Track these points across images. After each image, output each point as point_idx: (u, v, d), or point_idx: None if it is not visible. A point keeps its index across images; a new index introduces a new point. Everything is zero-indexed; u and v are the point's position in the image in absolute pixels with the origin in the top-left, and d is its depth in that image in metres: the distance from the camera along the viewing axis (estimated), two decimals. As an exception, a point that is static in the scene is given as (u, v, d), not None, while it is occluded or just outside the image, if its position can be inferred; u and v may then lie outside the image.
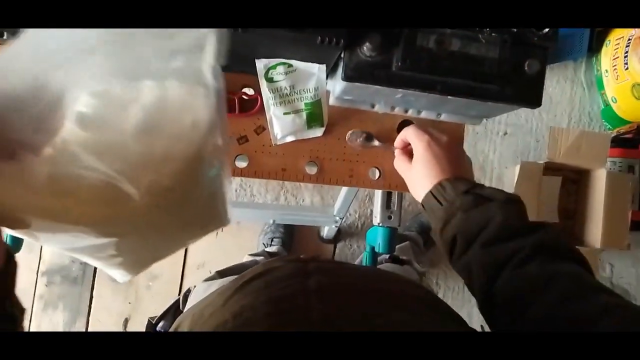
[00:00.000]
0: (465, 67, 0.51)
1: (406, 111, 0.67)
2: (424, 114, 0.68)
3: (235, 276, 0.58)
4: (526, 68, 0.52)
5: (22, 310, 0.34)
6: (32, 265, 1.53)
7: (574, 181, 1.69)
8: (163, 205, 0.33)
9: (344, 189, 1.27)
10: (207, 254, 1.55)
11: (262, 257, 1.21)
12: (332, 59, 0.55)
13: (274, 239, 1.52)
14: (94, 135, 0.28)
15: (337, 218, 1.35)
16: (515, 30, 0.51)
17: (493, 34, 0.51)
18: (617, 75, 1.58)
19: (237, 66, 0.62)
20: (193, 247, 1.56)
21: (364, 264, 0.80)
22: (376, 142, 0.67)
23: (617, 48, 1.58)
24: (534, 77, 0.53)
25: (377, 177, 0.69)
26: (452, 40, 0.50)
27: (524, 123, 1.74)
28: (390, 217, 0.75)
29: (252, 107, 0.65)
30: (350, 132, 0.67)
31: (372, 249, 0.78)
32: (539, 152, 1.72)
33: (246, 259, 1.22)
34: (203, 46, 0.30)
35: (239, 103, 0.65)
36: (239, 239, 1.56)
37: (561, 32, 1.59)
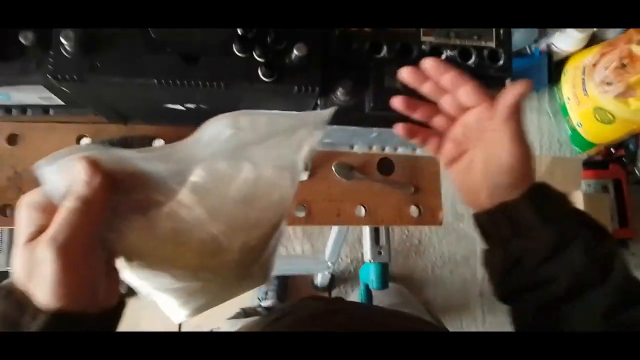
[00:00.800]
0: (432, 101, 0.55)
1: (383, 149, 0.72)
2: (400, 150, 0.72)
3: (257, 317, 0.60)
4: (487, 98, 0.57)
5: None
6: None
7: (553, 205, 1.74)
8: (245, 261, 0.40)
9: (333, 233, 1.29)
10: (203, 315, 1.53)
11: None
12: (309, 107, 0.59)
13: (268, 292, 1.52)
14: (201, 199, 0.36)
15: (329, 263, 1.37)
16: (472, 65, 0.56)
17: (453, 71, 0.56)
18: (579, 101, 1.67)
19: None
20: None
21: (359, 301, 0.81)
22: (359, 174, 0.70)
23: (575, 76, 1.68)
24: (495, 106, 0.57)
25: (363, 214, 0.72)
26: (416, 79, 0.55)
27: (498, 155, 1.81)
28: (380, 253, 0.78)
29: (238, 158, 0.68)
30: (334, 163, 0.71)
31: (366, 286, 0.80)
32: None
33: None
34: (302, 147, 0.39)
35: (225, 156, 0.68)
36: (232, 295, 1.55)
37: (520, 66, 1.69)
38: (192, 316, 0.42)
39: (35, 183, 0.64)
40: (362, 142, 0.69)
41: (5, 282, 0.34)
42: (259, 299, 1.51)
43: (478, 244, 1.70)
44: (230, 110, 0.60)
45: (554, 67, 1.82)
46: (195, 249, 0.37)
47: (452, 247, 1.69)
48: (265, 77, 0.51)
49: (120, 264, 0.36)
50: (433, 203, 0.73)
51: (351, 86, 0.54)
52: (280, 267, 1.42)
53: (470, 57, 0.56)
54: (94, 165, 0.33)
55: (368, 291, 0.79)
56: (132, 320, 1.49)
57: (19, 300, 0.32)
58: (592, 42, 1.72)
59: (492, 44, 0.57)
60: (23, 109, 0.66)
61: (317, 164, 0.71)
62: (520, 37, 1.68)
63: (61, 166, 0.33)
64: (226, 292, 0.43)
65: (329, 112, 0.40)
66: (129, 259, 0.36)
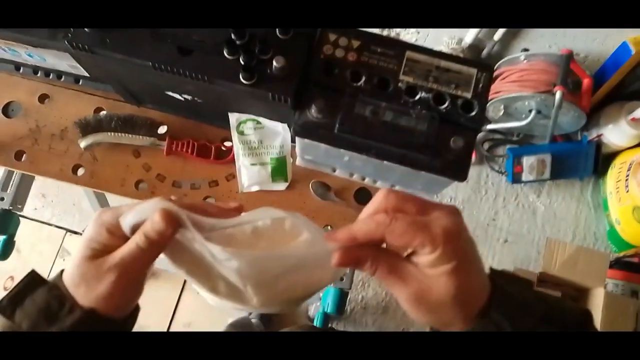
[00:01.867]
0: (396, 135, 0.59)
1: (363, 179, 0.75)
2: (379, 184, 0.75)
3: None
4: (452, 144, 0.59)
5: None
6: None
7: (573, 298, 1.65)
8: (263, 307, 0.42)
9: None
10: (195, 314, 1.58)
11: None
12: (287, 116, 0.64)
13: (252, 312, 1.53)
14: (254, 245, 0.40)
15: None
16: (444, 110, 0.59)
17: (423, 111, 0.59)
18: (620, 198, 1.61)
19: (217, 121, 0.73)
20: (183, 306, 1.59)
21: (315, 324, 0.82)
22: (334, 197, 0.74)
23: (621, 171, 1.63)
24: (460, 153, 0.59)
25: (329, 235, 0.75)
26: (385, 112, 0.59)
27: (525, 233, 1.76)
28: (342, 279, 0.79)
29: (226, 156, 0.74)
30: (312, 181, 0.75)
31: (323, 309, 0.81)
32: (540, 265, 1.71)
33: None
34: None
35: (215, 151, 0.74)
36: (227, 305, 1.59)
37: (566, 150, 1.66)
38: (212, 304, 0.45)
39: (49, 138, 0.73)
40: (342, 167, 0.72)
41: (52, 277, 0.39)
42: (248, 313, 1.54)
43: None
44: (221, 107, 0.66)
45: (603, 158, 1.77)
46: (222, 284, 0.40)
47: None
48: (244, 79, 0.57)
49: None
50: (400, 241, 0.74)
51: (324, 106, 0.59)
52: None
53: (443, 103, 0.59)
54: (170, 219, 0.37)
55: (324, 315, 0.80)
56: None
57: (62, 296, 0.37)
58: (646, 140, 1.67)
59: (469, 95, 0.60)
60: (59, 75, 0.76)
61: (299, 178, 0.75)
62: (568, 121, 1.65)
63: (142, 209, 0.38)
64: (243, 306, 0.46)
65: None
66: (169, 255, 0.40)
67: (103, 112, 0.76)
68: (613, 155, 1.75)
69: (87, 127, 0.72)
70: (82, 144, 0.73)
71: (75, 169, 0.74)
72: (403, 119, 0.59)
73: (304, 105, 0.60)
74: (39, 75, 0.76)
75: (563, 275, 1.51)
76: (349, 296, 1.65)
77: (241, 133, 0.69)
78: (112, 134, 0.72)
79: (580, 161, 1.74)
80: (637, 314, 1.54)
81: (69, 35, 0.57)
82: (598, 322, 1.46)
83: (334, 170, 0.74)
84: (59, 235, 1.64)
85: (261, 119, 0.67)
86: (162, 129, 0.76)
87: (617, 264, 1.66)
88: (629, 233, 1.63)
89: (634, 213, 1.54)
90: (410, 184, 0.70)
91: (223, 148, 0.75)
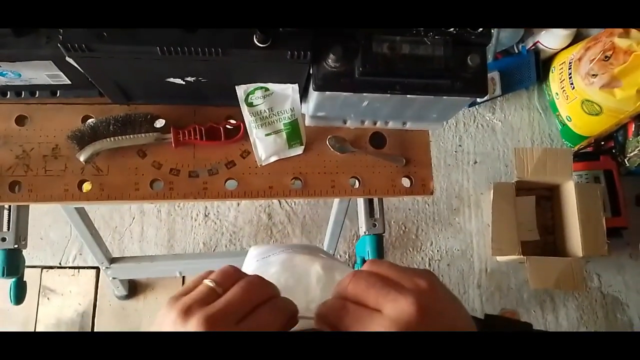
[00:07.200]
0: (417, 66, 0.59)
1: (375, 123, 0.75)
2: (391, 124, 0.76)
3: None
4: (469, 62, 0.60)
5: None
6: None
7: (547, 198, 1.77)
8: None
9: (330, 227, 1.32)
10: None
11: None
12: (302, 76, 0.62)
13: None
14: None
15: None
16: (454, 31, 0.60)
17: (436, 37, 0.59)
18: (567, 96, 1.72)
19: (219, 100, 0.70)
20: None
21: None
22: (352, 148, 0.74)
23: (562, 72, 1.73)
24: (477, 69, 0.61)
25: (356, 185, 0.75)
26: (402, 45, 0.59)
27: (491, 151, 1.85)
28: (374, 225, 0.80)
29: (236, 134, 0.72)
30: (329, 137, 0.74)
31: (363, 259, 0.82)
32: (510, 176, 1.81)
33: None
34: None
35: (224, 131, 0.71)
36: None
37: (509, 64, 1.73)
38: None
39: (42, 160, 0.67)
40: (355, 116, 0.72)
41: None
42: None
43: (474, 237, 1.73)
44: (227, 82, 0.64)
45: (542, 64, 1.87)
46: None
47: (449, 242, 1.72)
48: (259, 42, 0.54)
49: None
50: (423, 174, 0.76)
51: (341, 52, 0.58)
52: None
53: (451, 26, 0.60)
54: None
55: (364, 264, 0.82)
56: (134, 321, 1.51)
57: None
58: (577, 38, 1.78)
59: (472, 13, 0.61)
60: (32, 91, 0.69)
61: (312, 138, 0.74)
62: (507, 36, 1.73)
63: None
64: None
65: None
66: None
67: (92, 120, 0.70)
68: (550, 59, 1.86)
69: (82, 139, 0.67)
70: (82, 157, 0.67)
71: (80, 186, 0.69)
72: (420, 48, 0.59)
73: (319, 58, 0.59)
74: (8, 96, 0.69)
75: (536, 179, 1.62)
76: (347, 252, 1.68)
77: (250, 105, 0.67)
78: (112, 139, 0.68)
79: (524, 71, 1.84)
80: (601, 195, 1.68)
81: (60, 37, 0.52)
82: (575, 212, 1.59)
83: (345, 122, 0.74)
84: (35, 274, 1.53)
85: (269, 85, 0.65)
86: (160, 123, 0.72)
87: (576, 157, 1.79)
88: (581, 126, 1.75)
89: (583, 106, 1.66)
90: (426, 115, 0.71)
91: (229, 127, 0.73)
